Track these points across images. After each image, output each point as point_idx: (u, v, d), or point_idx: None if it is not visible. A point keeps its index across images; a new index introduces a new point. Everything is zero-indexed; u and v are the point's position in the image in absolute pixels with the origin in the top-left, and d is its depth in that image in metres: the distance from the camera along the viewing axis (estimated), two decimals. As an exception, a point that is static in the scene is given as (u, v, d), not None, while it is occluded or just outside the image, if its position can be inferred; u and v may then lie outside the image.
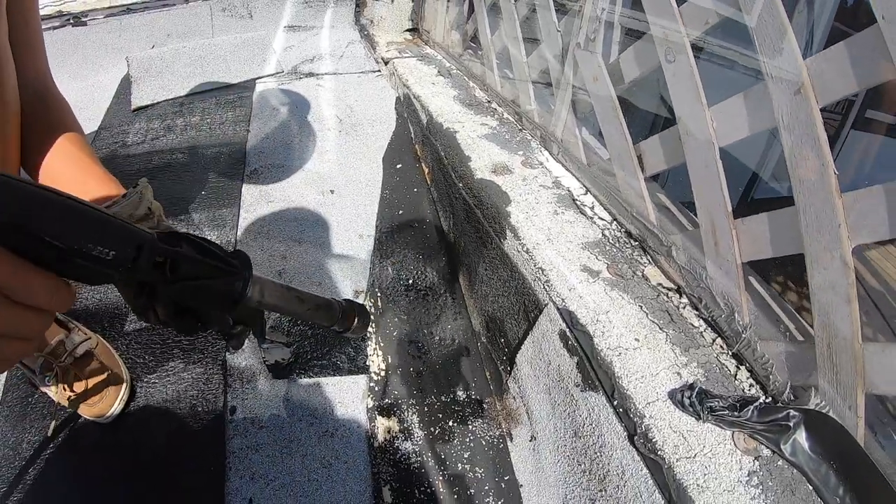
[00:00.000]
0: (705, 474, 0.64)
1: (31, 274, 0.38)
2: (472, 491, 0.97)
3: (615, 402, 0.74)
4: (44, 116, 0.72)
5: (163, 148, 1.60)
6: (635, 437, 0.70)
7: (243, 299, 0.53)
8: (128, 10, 1.99)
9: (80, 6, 1.94)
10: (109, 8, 1.97)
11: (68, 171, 0.70)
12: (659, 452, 0.66)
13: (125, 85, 1.89)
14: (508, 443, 1.04)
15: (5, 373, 1.06)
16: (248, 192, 1.44)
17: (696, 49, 0.86)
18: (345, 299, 0.64)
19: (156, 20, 2.03)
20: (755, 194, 2.42)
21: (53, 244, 0.37)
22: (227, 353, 1.07)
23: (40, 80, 0.74)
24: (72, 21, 1.94)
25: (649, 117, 1.78)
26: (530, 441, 1.00)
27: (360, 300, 1.19)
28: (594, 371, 0.79)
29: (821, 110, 0.67)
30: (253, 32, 2.08)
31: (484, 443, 1.03)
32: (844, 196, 0.64)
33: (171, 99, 1.81)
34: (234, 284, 0.53)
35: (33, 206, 0.37)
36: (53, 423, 0.98)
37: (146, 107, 1.78)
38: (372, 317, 0.97)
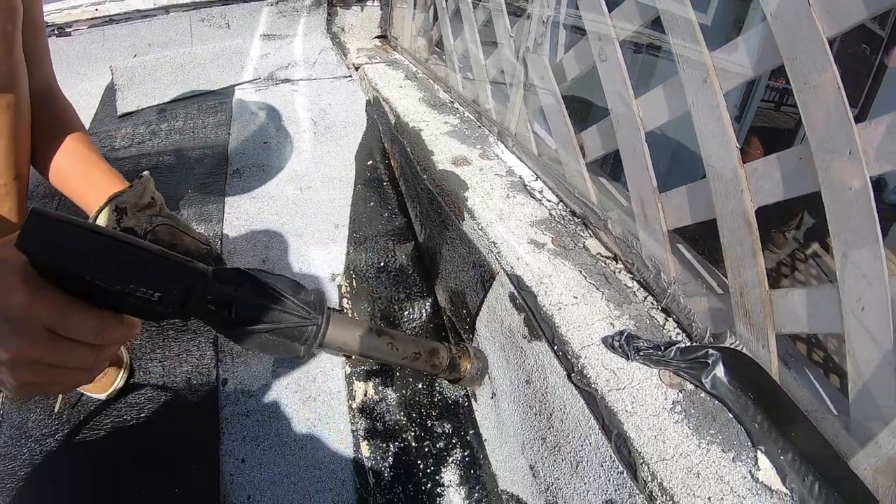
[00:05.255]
0: (633, 402, 0.72)
1: (76, 312, 0.38)
2: (441, 444, 1.09)
3: (555, 348, 0.84)
4: (50, 117, 0.78)
5: (149, 151, 1.71)
6: (572, 375, 0.79)
7: (314, 347, 0.49)
8: (110, 20, 2.08)
9: (65, 17, 2.03)
10: (93, 19, 2.06)
11: (75, 167, 0.77)
12: (593, 385, 0.75)
13: (110, 93, 1.99)
14: (473, 402, 1.17)
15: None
16: (232, 189, 1.56)
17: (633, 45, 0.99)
18: (454, 345, 0.57)
19: (137, 30, 2.12)
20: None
21: (98, 285, 0.36)
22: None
23: (46, 85, 0.79)
24: (56, 31, 2.03)
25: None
26: (491, 398, 1.13)
27: (337, 282, 1.32)
28: (538, 323, 0.89)
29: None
30: (230, 41, 2.19)
31: (450, 402, 1.15)
32: (746, 166, 0.74)
33: (155, 105, 1.91)
34: (304, 331, 0.48)
35: (73, 245, 0.35)
36: (59, 400, 1.04)
37: (131, 113, 1.88)
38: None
